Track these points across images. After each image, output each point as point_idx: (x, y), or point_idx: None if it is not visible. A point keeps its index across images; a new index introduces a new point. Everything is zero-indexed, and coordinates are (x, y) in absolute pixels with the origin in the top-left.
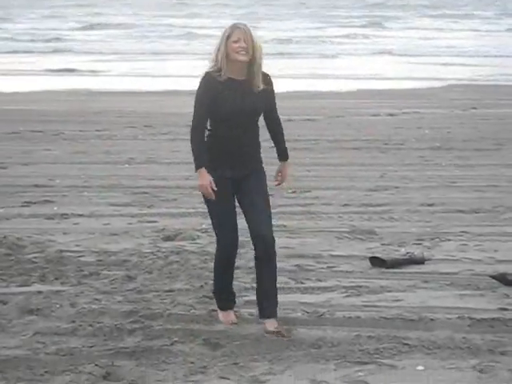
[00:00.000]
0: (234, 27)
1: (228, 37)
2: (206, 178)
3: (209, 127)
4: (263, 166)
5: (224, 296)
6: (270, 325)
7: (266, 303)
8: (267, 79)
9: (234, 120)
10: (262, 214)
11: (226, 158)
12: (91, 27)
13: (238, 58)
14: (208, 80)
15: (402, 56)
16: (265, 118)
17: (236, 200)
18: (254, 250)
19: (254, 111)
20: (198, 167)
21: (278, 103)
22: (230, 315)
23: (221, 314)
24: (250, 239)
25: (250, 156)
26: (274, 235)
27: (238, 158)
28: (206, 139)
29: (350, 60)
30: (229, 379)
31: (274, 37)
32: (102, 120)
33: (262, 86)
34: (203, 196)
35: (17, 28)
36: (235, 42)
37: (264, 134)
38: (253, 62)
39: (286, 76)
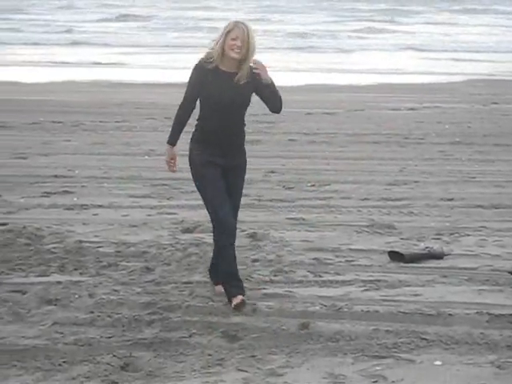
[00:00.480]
0: (235, 25)
1: (228, 32)
2: (168, 156)
3: (198, 118)
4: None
5: (226, 270)
6: (235, 300)
7: (231, 285)
8: (252, 76)
9: (221, 110)
10: (235, 205)
11: (215, 147)
12: (108, 19)
13: (230, 55)
14: (199, 67)
15: (422, 51)
16: (262, 99)
17: None
18: (217, 236)
19: (241, 102)
20: (167, 143)
21: (297, 96)
22: (239, 299)
23: (218, 287)
24: (269, 231)
25: (238, 146)
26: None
27: (228, 147)
28: (197, 129)
29: (370, 54)
30: (246, 372)
31: (292, 30)
32: (122, 111)
33: (242, 81)
34: (196, 184)
35: (32, 19)
36: (233, 39)
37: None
38: (245, 59)
39: (305, 69)
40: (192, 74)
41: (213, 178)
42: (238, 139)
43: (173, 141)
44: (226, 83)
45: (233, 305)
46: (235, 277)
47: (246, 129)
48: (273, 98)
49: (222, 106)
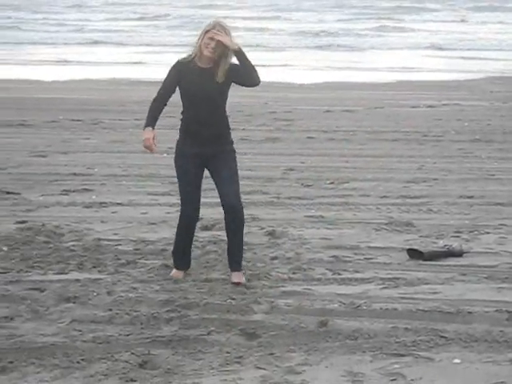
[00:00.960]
0: (214, 25)
1: (206, 32)
2: (148, 134)
3: (182, 111)
4: (234, 146)
5: (179, 256)
6: (235, 277)
7: (233, 259)
8: (229, 69)
9: (197, 102)
10: (230, 186)
11: (195, 136)
12: (122, 18)
13: (203, 52)
14: (177, 64)
15: (439, 50)
16: (240, 82)
17: (210, 176)
18: (224, 217)
19: (217, 95)
20: (144, 126)
21: (316, 94)
22: (180, 274)
23: (174, 271)
24: (287, 229)
25: (218, 136)
26: (242, 204)
27: (206, 137)
28: (181, 120)
29: (387, 52)
30: (265, 369)
31: (308, 29)
32: (141, 109)
33: (221, 80)
34: (176, 170)
35: (49, 18)
36: (210, 38)
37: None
38: (220, 57)
39: (324, 67)
40: (170, 70)
41: (185, 171)
42: (217, 129)
43: (150, 124)
44: (202, 78)
45: (171, 274)
46: (181, 251)
47: (268, 127)
48: (246, 70)
49: (199, 99)
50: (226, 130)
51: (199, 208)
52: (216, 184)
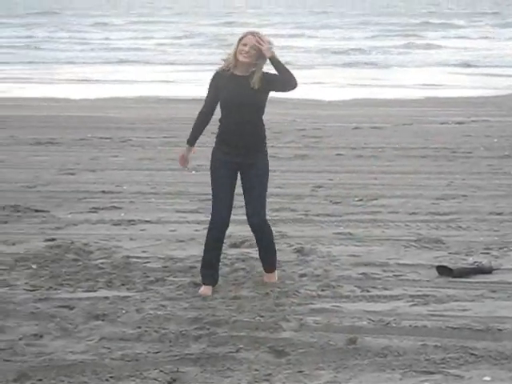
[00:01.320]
0: (248, 33)
1: (240, 39)
2: (183, 153)
3: (220, 118)
4: (268, 158)
5: (207, 271)
6: (267, 277)
7: (265, 262)
8: (264, 78)
9: (234, 109)
10: (257, 206)
11: (230, 144)
12: (149, 37)
13: (239, 59)
14: (216, 74)
15: (467, 67)
16: (277, 88)
17: (241, 183)
18: (250, 227)
19: (254, 104)
20: (186, 142)
21: (344, 111)
22: (209, 290)
23: (202, 288)
24: (316, 246)
25: (254, 146)
26: (266, 216)
27: (241, 146)
28: (218, 128)
29: (414, 69)
30: None
31: (335, 46)
32: (169, 127)
33: (257, 86)
34: (210, 175)
35: (71, 36)
36: (243, 45)
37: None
38: (256, 64)
39: (351, 84)
40: (210, 81)
41: (220, 177)
42: (253, 139)
43: (191, 142)
44: (239, 86)
45: (199, 291)
46: (208, 265)
47: (296, 144)
48: (283, 76)
49: (236, 107)
50: (262, 140)
51: (230, 213)
52: (244, 197)
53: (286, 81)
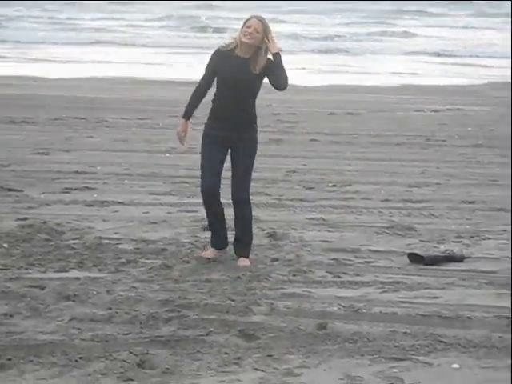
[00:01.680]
0: (252, 17)
1: (245, 22)
2: (181, 127)
3: (214, 95)
4: (257, 134)
5: (212, 234)
6: (240, 261)
7: (239, 246)
8: (266, 65)
9: (232, 88)
10: (244, 181)
11: (224, 120)
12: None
13: (241, 39)
14: (217, 51)
15: (445, 56)
16: (269, 78)
17: (230, 158)
18: (233, 204)
19: (249, 85)
20: (182, 117)
21: (320, 97)
22: (211, 253)
23: (209, 250)
24: (288, 231)
25: (246, 122)
26: (250, 199)
27: (234, 121)
28: (212, 105)
29: (390, 57)
30: (263, 371)
31: (312, 33)
32: (144, 108)
33: (258, 72)
34: (201, 149)
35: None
36: (247, 27)
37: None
38: (259, 50)
39: (328, 71)
40: (211, 56)
41: (209, 149)
42: (246, 115)
43: (187, 115)
44: (239, 66)
45: (202, 253)
46: (212, 229)
47: (272, 128)
48: (279, 73)
49: (233, 85)
50: (254, 118)
51: (219, 181)
52: (232, 174)
53: (281, 78)
